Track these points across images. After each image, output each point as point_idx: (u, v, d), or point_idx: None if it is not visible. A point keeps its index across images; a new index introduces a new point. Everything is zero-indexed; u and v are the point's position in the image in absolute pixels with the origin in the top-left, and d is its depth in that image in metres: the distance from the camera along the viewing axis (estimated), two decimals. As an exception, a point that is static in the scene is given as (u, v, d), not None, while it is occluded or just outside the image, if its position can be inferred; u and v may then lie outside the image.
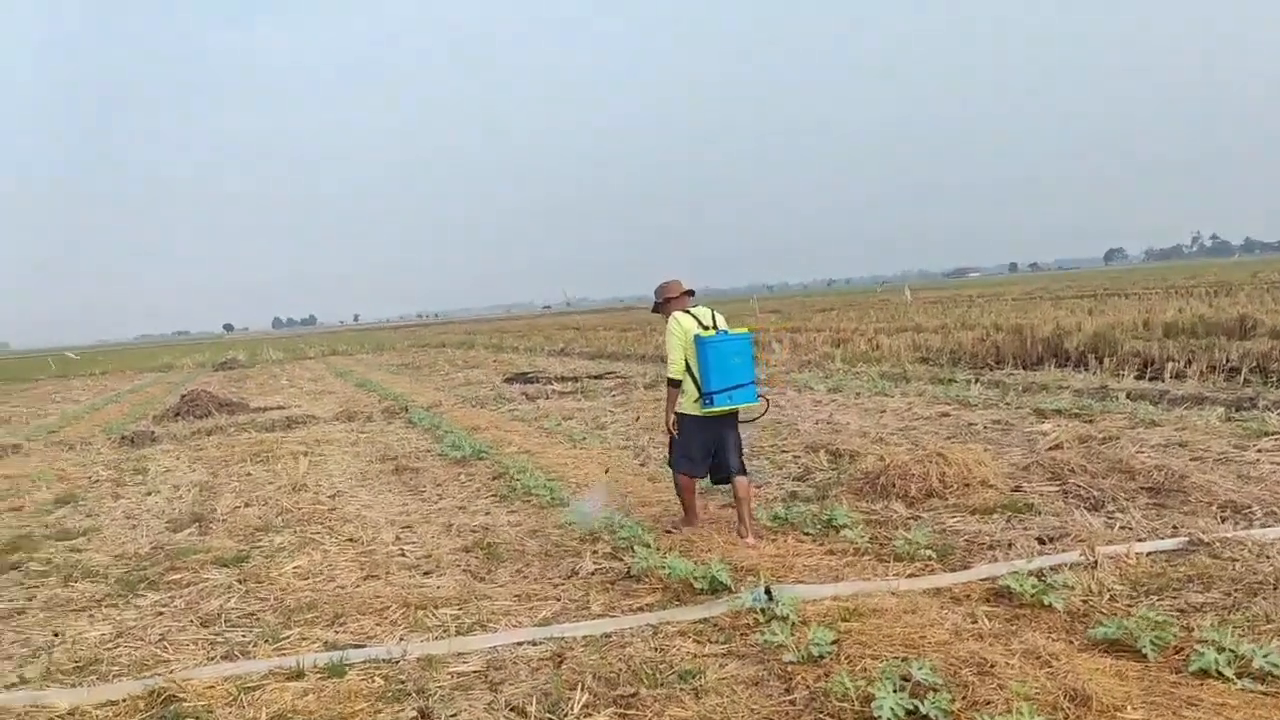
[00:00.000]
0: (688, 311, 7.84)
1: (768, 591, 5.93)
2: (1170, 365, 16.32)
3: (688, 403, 7.76)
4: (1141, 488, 8.24)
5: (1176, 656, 4.80)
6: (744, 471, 7.91)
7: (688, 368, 7.67)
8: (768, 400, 8.52)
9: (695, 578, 6.41)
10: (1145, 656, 4.81)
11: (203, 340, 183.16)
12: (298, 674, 5.50)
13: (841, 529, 7.58)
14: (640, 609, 6.25)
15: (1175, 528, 7.09)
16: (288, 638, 6.19)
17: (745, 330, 7.91)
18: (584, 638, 5.78)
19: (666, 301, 8.01)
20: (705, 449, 7.79)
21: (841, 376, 19.23)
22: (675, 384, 7.76)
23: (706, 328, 7.70)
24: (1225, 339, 18.35)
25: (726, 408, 7.61)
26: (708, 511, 8.43)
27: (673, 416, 7.85)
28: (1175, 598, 5.72)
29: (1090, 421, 11.80)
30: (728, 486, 8.03)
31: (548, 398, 19.92)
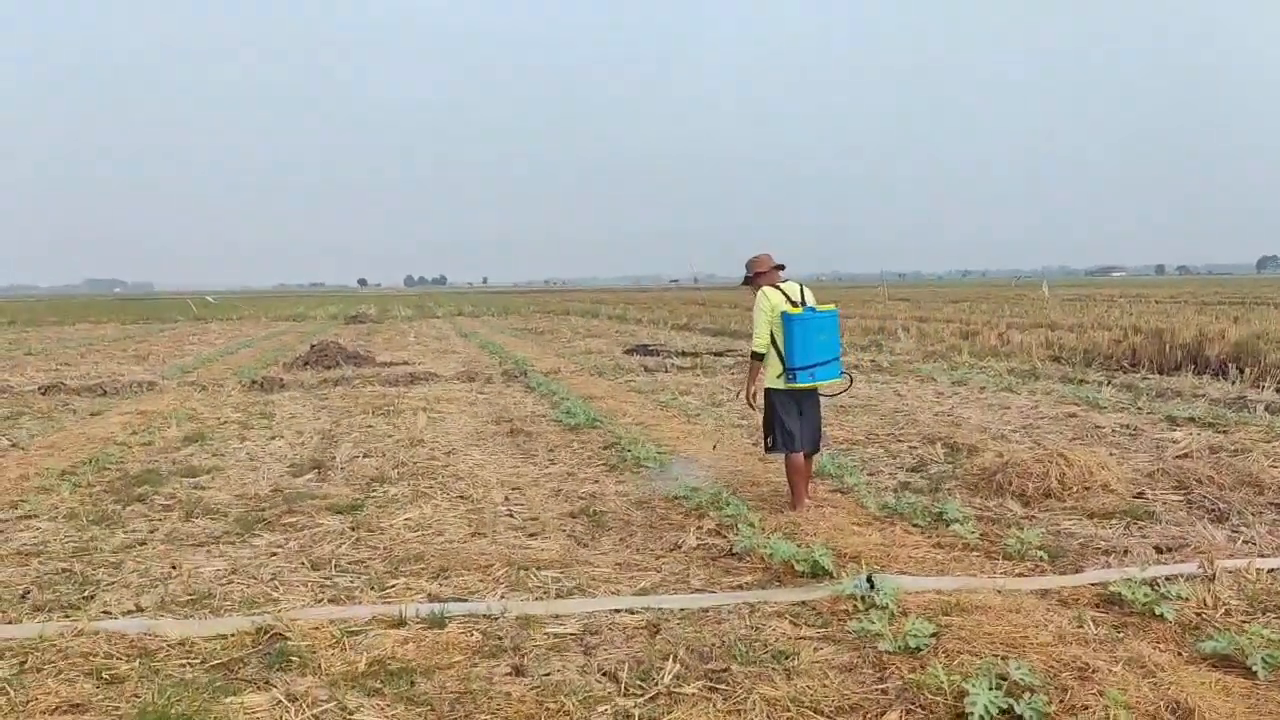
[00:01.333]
0: (777, 287, 7.89)
1: (870, 579, 5.86)
2: (1315, 379, 15.65)
3: (771, 377, 7.88)
4: (1270, 503, 7.94)
5: (1288, 677, 4.62)
6: (816, 450, 8.16)
7: (773, 342, 7.77)
8: (851, 377, 8.61)
9: (797, 560, 6.36)
10: (1255, 674, 4.62)
11: (337, 293, 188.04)
12: (400, 622, 5.61)
13: (952, 523, 7.44)
14: (739, 587, 6.23)
15: (1302, 546, 6.81)
16: (393, 587, 6.34)
17: (832, 307, 7.96)
18: (680, 610, 5.79)
19: (756, 276, 8.04)
20: (797, 422, 7.89)
21: (967, 370, 18.86)
22: (759, 357, 7.89)
23: (795, 304, 7.78)
24: (1376, 356, 17.51)
25: (816, 384, 7.78)
26: (815, 495, 8.36)
27: (753, 389, 8.09)
28: (1294, 618, 5.49)
29: (1224, 432, 11.38)
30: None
31: (666, 371, 19.95)
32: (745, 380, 8.33)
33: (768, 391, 7.99)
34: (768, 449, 8.17)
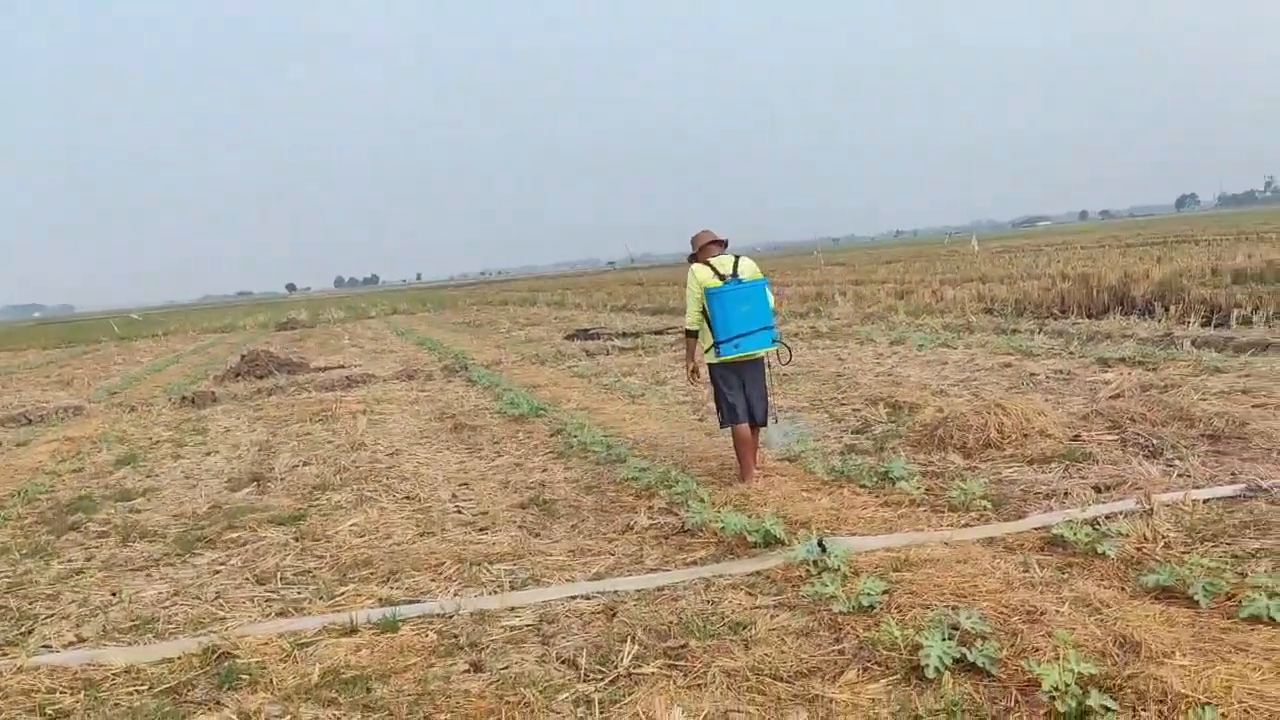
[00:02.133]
0: (707, 263, 7.93)
1: (821, 544, 5.90)
2: (1237, 312, 15.99)
3: (708, 352, 8.01)
4: (1201, 435, 8.10)
5: (1228, 603, 4.70)
6: (763, 422, 8.16)
7: (705, 318, 7.89)
8: (788, 348, 8.61)
9: (749, 531, 6.39)
10: (1197, 603, 4.72)
11: (265, 300, 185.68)
12: (352, 630, 5.56)
13: (898, 481, 7.51)
14: (693, 563, 6.25)
15: (1234, 474, 6.96)
16: (343, 594, 6.27)
17: (760, 277, 7.97)
18: (636, 591, 5.79)
19: (698, 252, 8.09)
20: (738, 394, 7.94)
21: (904, 329, 19.04)
22: (692, 334, 8.08)
23: (723, 277, 7.80)
24: (1295, 284, 17.93)
25: (742, 355, 7.79)
26: (763, 465, 8.41)
27: (693, 365, 8.27)
28: (1230, 544, 5.61)
29: (1153, 370, 11.62)
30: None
31: (608, 354, 19.93)
32: (685, 358, 8.45)
33: (710, 367, 8.07)
34: (721, 424, 8.22)
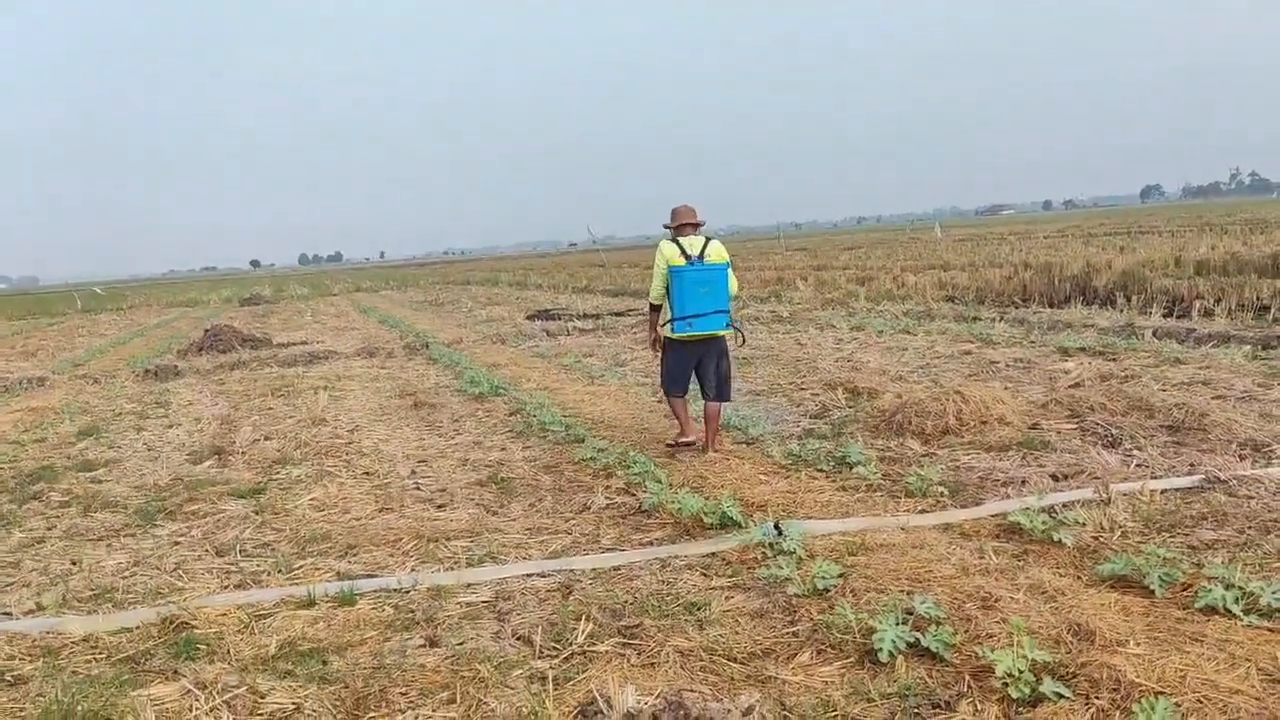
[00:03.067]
0: (676, 241, 8.17)
1: (777, 526, 5.93)
2: (1199, 303, 16.16)
3: (665, 327, 8.31)
4: (1161, 425, 8.18)
5: (1184, 593, 4.75)
6: (722, 399, 8.50)
7: (668, 294, 8.16)
8: (742, 332, 9.04)
9: (706, 513, 6.41)
10: (1152, 593, 4.76)
11: (230, 276, 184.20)
12: (309, 603, 5.55)
13: (855, 466, 7.55)
14: (649, 543, 6.26)
15: (1192, 465, 7.03)
16: (301, 568, 6.26)
17: (722, 261, 8.18)
18: (592, 570, 5.81)
19: (676, 228, 8.28)
20: (684, 370, 8.34)
21: (865, 315, 19.13)
22: (655, 308, 8.51)
23: (688, 257, 8.06)
24: (1257, 277, 18.12)
25: (699, 334, 8.11)
26: (722, 447, 8.46)
27: (654, 336, 8.65)
28: (1187, 535, 5.67)
29: (1114, 359, 11.71)
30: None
31: (569, 334, 19.91)
32: (647, 330, 8.84)
33: (667, 339, 8.39)
34: (663, 390, 8.61)
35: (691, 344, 8.22)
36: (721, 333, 8.25)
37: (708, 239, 8.19)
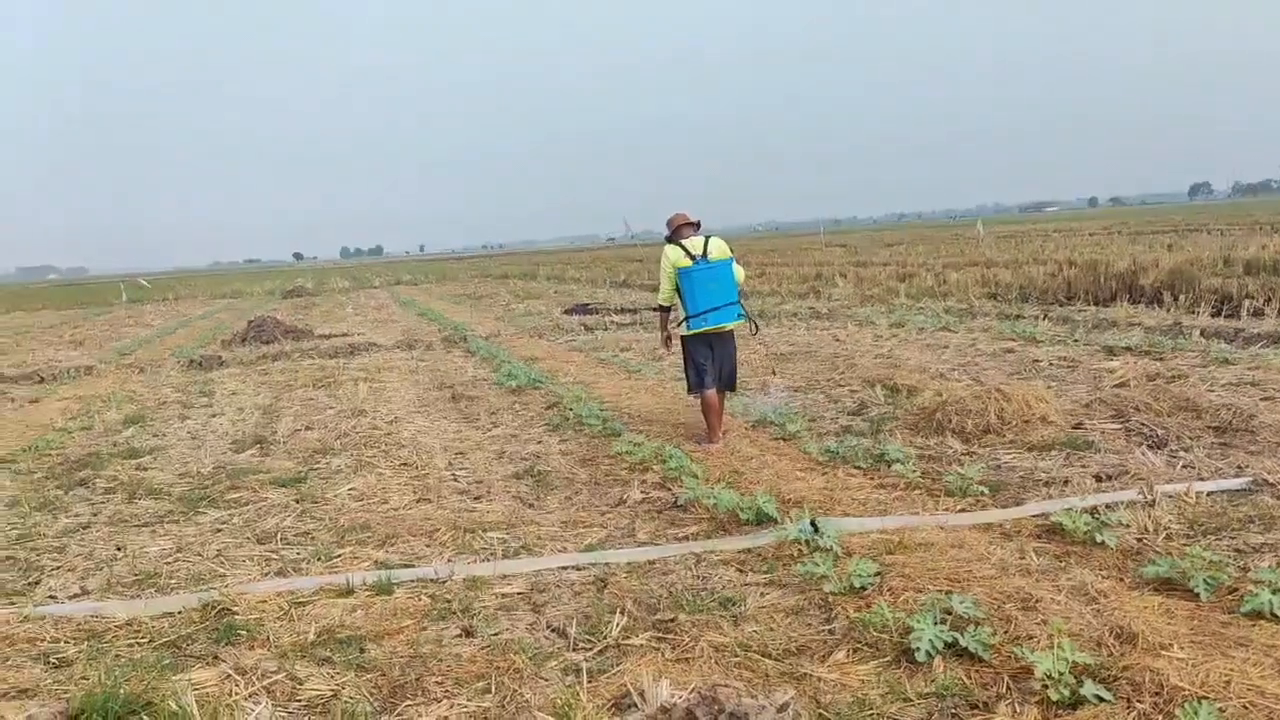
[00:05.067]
0: (678, 243, 8.54)
1: (813, 523, 5.89)
2: (1248, 303, 15.91)
3: (682, 325, 8.62)
4: (1207, 426, 8.05)
5: (1230, 597, 4.67)
6: (728, 389, 8.93)
7: (679, 294, 8.54)
8: (754, 322, 9.33)
9: (741, 509, 6.40)
10: (1197, 596, 4.69)
11: (272, 269, 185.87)
12: (347, 591, 5.59)
13: (893, 464, 7.50)
14: (685, 538, 6.25)
15: (1240, 467, 6.91)
16: (340, 556, 6.30)
17: (725, 257, 8.54)
18: (627, 564, 5.80)
19: (674, 232, 8.66)
20: (707, 363, 8.58)
21: (905, 311, 19.01)
22: (664, 309, 8.91)
23: (693, 257, 8.43)
24: (1308, 276, 17.84)
25: (711, 328, 8.43)
26: (756, 441, 8.47)
27: (666, 335, 9.06)
28: (1234, 538, 5.57)
29: (1160, 359, 11.57)
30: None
31: (606, 329, 19.94)
32: (658, 331, 9.20)
33: (682, 339, 8.69)
34: (689, 390, 8.85)
35: (710, 337, 8.53)
36: (735, 324, 8.61)
37: (707, 237, 8.55)
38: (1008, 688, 3.97)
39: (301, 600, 5.51)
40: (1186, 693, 3.73)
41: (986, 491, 6.73)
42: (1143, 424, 8.17)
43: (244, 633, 5.07)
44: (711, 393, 8.63)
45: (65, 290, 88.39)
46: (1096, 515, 5.92)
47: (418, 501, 7.53)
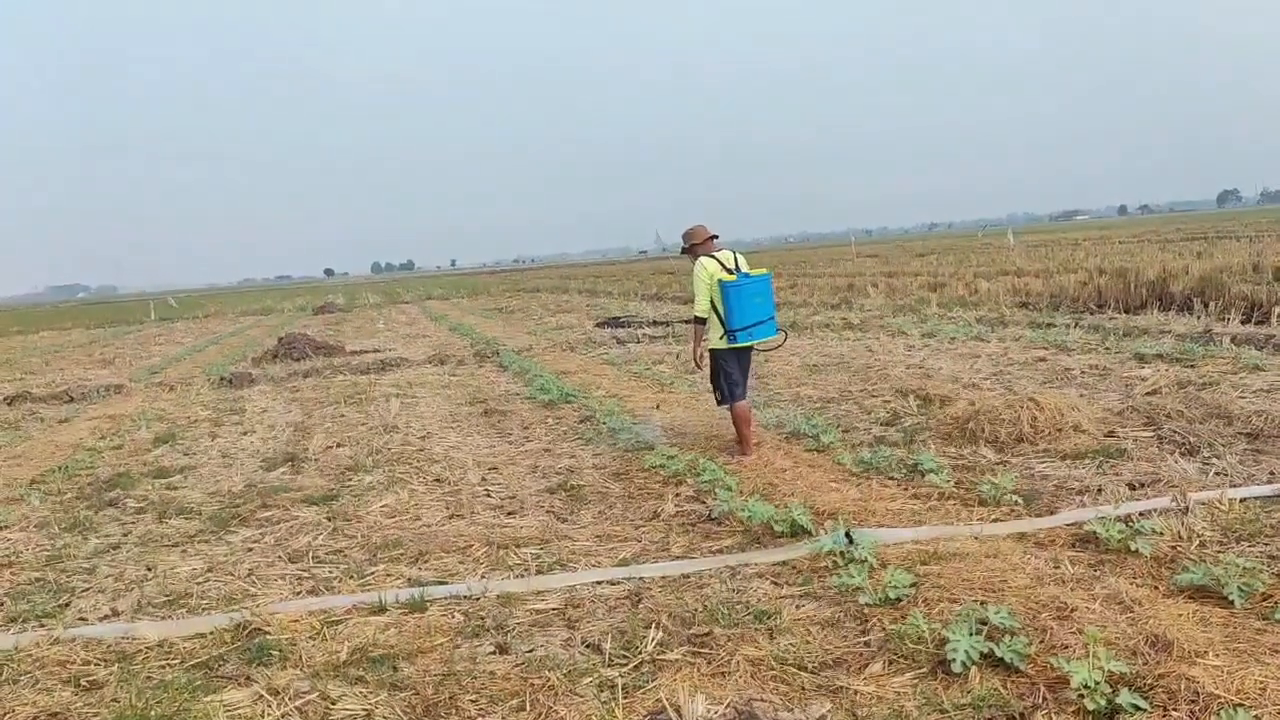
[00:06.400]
0: (712, 256, 8.55)
1: (848, 534, 5.88)
2: (1278, 309, 15.75)
3: (714, 339, 8.59)
4: (1240, 433, 8.00)
5: (1264, 604, 4.64)
6: (745, 397, 8.83)
7: (713, 307, 8.45)
8: (785, 334, 9.39)
9: (775, 521, 6.38)
10: (1231, 603, 4.65)
11: (303, 285, 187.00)
12: (380, 609, 5.61)
13: (927, 474, 7.47)
14: (719, 551, 6.24)
15: (1272, 473, 6.86)
16: (372, 574, 6.32)
17: (765, 272, 8.64)
18: (661, 578, 5.80)
19: (693, 246, 8.73)
20: (737, 373, 8.64)
21: (936, 321, 18.94)
22: (700, 321, 8.63)
23: (730, 271, 8.48)
24: (1340, 282, 17.65)
25: (756, 342, 8.52)
26: (790, 453, 8.45)
27: (700, 350, 8.76)
28: (1267, 544, 5.52)
29: (1191, 366, 11.48)
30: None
31: (639, 342, 19.93)
32: (691, 344, 9.11)
33: (712, 352, 8.66)
34: (719, 402, 8.88)
35: (743, 351, 8.62)
36: (774, 338, 8.65)
37: (734, 252, 8.68)
38: (1044, 697, 3.94)
39: (334, 619, 5.52)
40: (1222, 700, 3.71)
41: (1020, 501, 6.69)
42: (1175, 431, 8.11)
43: (276, 653, 5.08)
44: (744, 404, 8.69)
45: (95, 309, 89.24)
46: (1130, 523, 5.88)
47: (450, 518, 7.55)
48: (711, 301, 8.45)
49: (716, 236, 8.79)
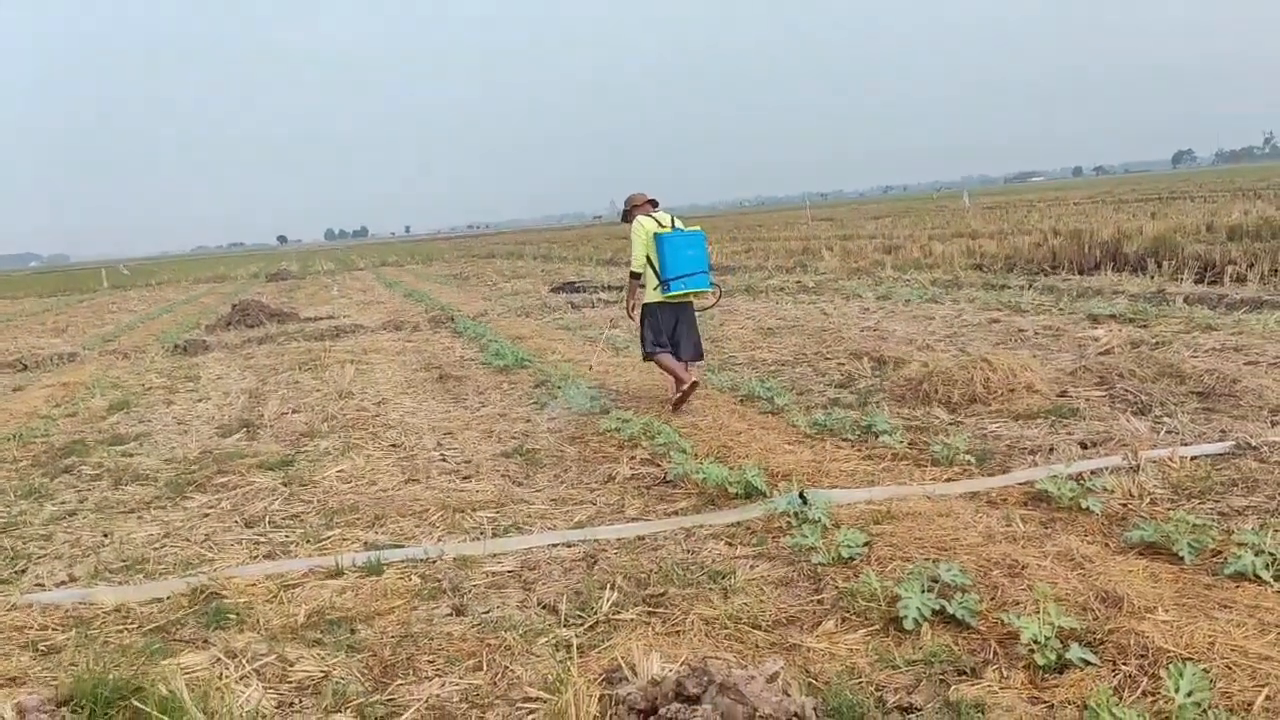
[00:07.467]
0: (651, 216, 9.11)
1: (801, 495, 5.91)
2: (1231, 269, 15.95)
3: (649, 292, 9.01)
4: (1191, 392, 8.11)
5: (1214, 560, 4.71)
6: (699, 357, 9.31)
7: (649, 261, 8.90)
8: (719, 289, 9.90)
9: (730, 483, 6.40)
10: (1181, 559, 4.72)
11: (257, 252, 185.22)
12: (337, 572, 5.60)
13: (881, 435, 7.51)
14: (674, 513, 6.27)
15: (1223, 432, 6.95)
16: (329, 538, 6.30)
17: (698, 229, 9.13)
18: (617, 540, 5.82)
19: (633, 209, 9.31)
20: (665, 330, 9.02)
21: (891, 284, 19.04)
22: (636, 276, 9.15)
23: (664, 227, 8.96)
24: (1290, 242, 17.87)
25: (681, 293, 8.84)
26: (744, 415, 8.49)
27: (633, 303, 9.32)
28: (1217, 501, 5.62)
29: (1144, 326, 11.61)
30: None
31: (593, 307, 19.91)
32: (626, 297, 9.57)
33: (646, 305, 9.08)
34: (645, 356, 9.20)
35: (671, 306, 8.98)
36: (706, 291, 9.03)
37: (671, 215, 9.19)
38: (995, 653, 4.00)
39: (291, 583, 5.51)
40: (1171, 654, 3.76)
41: (973, 460, 6.75)
42: (1127, 390, 8.21)
43: (233, 616, 5.07)
44: (667, 355, 9.01)
45: (47, 277, 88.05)
46: (1082, 482, 5.95)
47: (406, 482, 7.53)
48: (648, 258, 8.89)
49: (655, 202, 9.33)
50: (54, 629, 5.13)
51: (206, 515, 7.09)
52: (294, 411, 10.78)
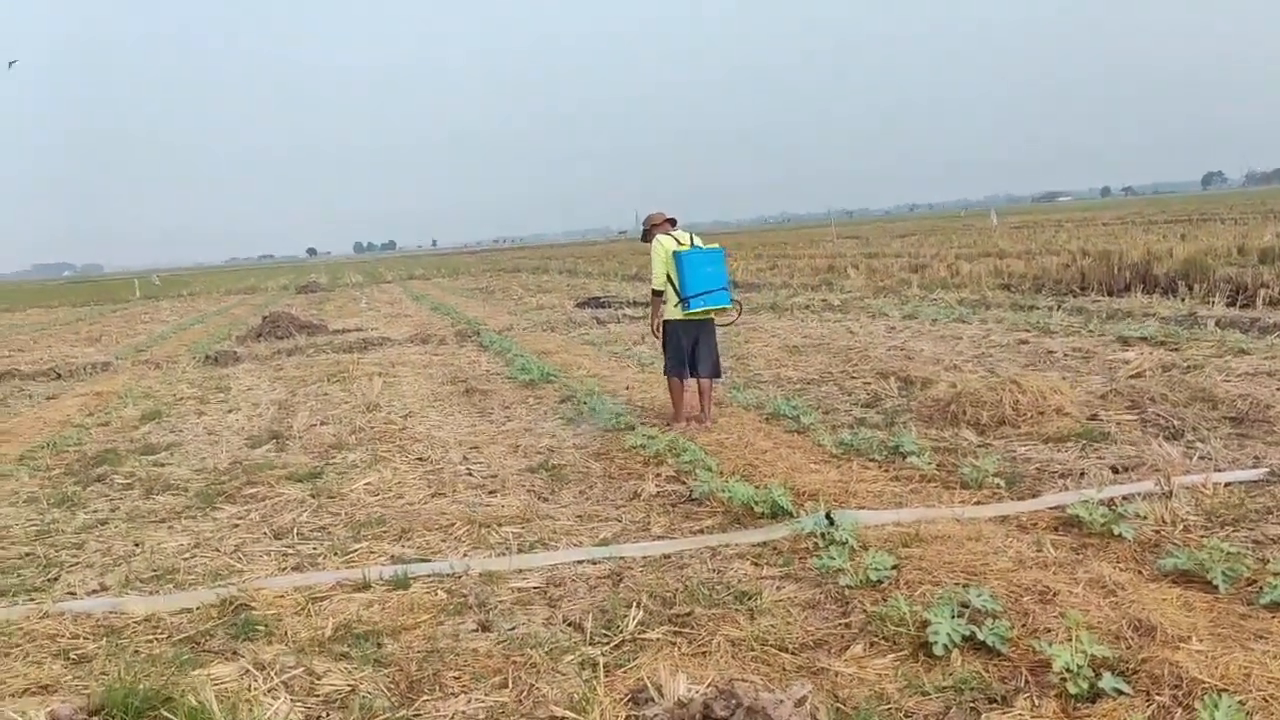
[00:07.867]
0: (670, 234, 9.22)
1: (828, 516, 5.89)
2: (1264, 292, 15.80)
3: (670, 309, 9.13)
4: (1224, 417, 8.03)
5: (1249, 589, 4.65)
6: (716, 375, 9.36)
7: (669, 279, 9.01)
8: (740, 305, 10.12)
9: (756, 502, 6.38)
10: (1215, 588, 4.66)
11: (287, 264, 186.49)
12: (364, 586, 5.61)
13: (908, 456, 7.47)
14: (700, 531, 6.26)
15: (1257, 458, 6.87)
16: (356, 551, 6.32)
17: (717, 246, 9.24)
18: (643, 558, 5.81)
19: (652, 228, 9.44)
20: (686, 348, 9.08)
21: (918, 303, 18.97)
22: (658, 294, 9.30)
23: (683, 245, 9.07)
24: (1324, 265, 17.73)
25: (701, 310, 8.94)
26: (770, 434, 8.49)
27: (658, 322, 9.42)
28: (1252, 529, 5.55)
29: (1175, 349, 11.51)
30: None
31: (619, 322, 19.94)
32: (650, 315, 9.80)
33: (667, 323, 9.18)
34: (666, 371, 9.32)
35: (693, 323, 9.04)
36: (727, 307, 9.17)
37: (690, 233, 9.30)
38: (1026, 681, 3.95)
39: (319, 595, 5.53)
40: (1206, 685, 3.71)
41: (1002, 483, 6.70)
42: (1159, 415, 8.14)
43: (262, 628, 5.09)
44: (678, 381, 9.18)
45: (81, 287, 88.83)
46: (1113, 507, 5.88)
47: (433, 496, 7.55)
48: (668, 275, 8.99)
49: (674, 220, 9.45)
50: (85, 638, 5.17)
51: (236, 526, 7.13)
52: (322, 423, 10.83)
